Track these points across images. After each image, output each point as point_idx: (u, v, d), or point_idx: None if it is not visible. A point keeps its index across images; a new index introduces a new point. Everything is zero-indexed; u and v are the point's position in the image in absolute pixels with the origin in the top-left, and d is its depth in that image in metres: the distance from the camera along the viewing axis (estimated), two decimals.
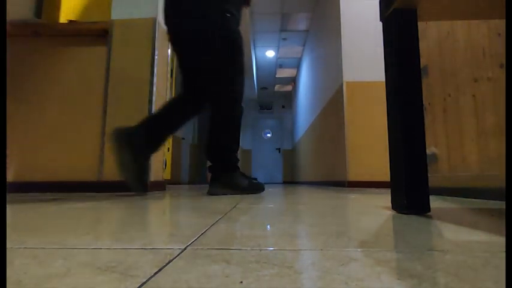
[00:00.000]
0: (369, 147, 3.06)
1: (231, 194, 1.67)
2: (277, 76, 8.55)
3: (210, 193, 1.68)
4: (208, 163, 1.78)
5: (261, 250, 0.39)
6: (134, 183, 1.64)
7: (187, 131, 9.09)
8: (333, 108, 3.75)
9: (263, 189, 1.86)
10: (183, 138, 7.96)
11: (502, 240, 0.45)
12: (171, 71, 3.88)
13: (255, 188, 1.78)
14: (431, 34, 1.71)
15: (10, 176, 2.12)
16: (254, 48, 6.97)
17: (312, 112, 5.51)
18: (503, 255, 0.36)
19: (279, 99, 10.23)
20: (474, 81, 1.37)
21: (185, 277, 0.29)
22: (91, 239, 0.46)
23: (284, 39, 6.53)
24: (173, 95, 4.20)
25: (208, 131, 1.73)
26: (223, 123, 1.72)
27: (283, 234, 0.50)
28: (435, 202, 1.14)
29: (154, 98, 2.15)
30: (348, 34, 3.29)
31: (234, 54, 1.70)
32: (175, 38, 1.76)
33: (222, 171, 1.70)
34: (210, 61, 1.69)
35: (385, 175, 2.84)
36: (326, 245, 0.42)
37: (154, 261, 0.34)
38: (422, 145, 0.78)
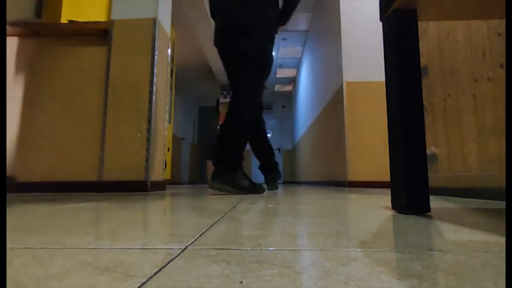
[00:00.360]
0: (369, 147, 3.06)
1: (231, 193, 1.73)
2: (277, 76, 8.55)
3: (211, 187, 1.77)
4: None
5: (261, 250, 0.39)
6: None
7: (187, 131, 9.10)
8: (333, 108, 3.75)
9: (263, 191, 1.87)
10: (183, 138, 7.96)
11: (502, 240, 0.45)
12: (171, 71, 3.88)
13: (255, 188, 1.82)
14: (431, 34, 1.71)
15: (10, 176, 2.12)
16: None
17: (312, 112, 5.51)
18: (503, 255, 0.36)
19: (279, 99, 10.23)
20: (474, 81, 1.37)
21: (185, 277, 0.29)
22: (91, 239, 0.46)
23: (284, 39, 6.53)
24: (173, 95, 4.20)
25: (221, 128, 1.85)
26: (234, 123, 1.83)
27: (283, 234, 0.50)
28: (435, 202, 1.14)
29: (154, 98, 2.15)
30: (348, 34, 3.29)
31: (264, 72, 1.95)
32: (222, 57, 2.02)
33: (224, 169, 1.77)
34: (244, 75, 1.90)
35: (385, 175, 2.85)
36: (326, 245, 0.42)
37: (154, 261, 0.34)
38: (422, 145, 0.78)
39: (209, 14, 2.17)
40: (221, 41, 1.97)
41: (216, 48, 2.05)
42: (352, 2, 3.33)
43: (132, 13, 2.25)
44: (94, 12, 2.45)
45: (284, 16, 2.07)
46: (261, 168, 2.29)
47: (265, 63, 1.93)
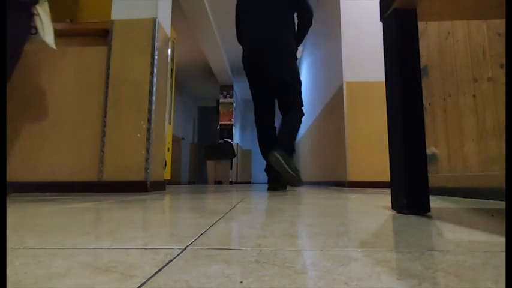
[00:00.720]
0: (369, 147, 3.06)
1: (279, 166, 2.11)
2: None
3: (272, 156, 2.14)
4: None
5: (261, 250, 0.39)
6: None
7: (187, 131, 9.10)
8: (333, 108, 3.75)
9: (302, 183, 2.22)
10: (183, 138, 7.96)
11: (502, 240, 0.45)
12: (171, 71, 3.88)
13: (297, 175, 2.18)
14: (431, 34, 1.71)
15: (10, 176, 2.12)
16: None
17: (312, 112, 5.51)
18: (503, 255, 0.36)
19: None
20: (474, 81, 1.37)
21: (185, 277, 0.29)
22: (91, 239, 0.46)
23: None
24: (173, 95, 4.20)
25: (286, 129, 2.32)
26: (296, 130, 2.36)
27: (283, 234, 0.50)
28: (435, 202, 1.14)
29: (154, 98, 2.15)
30: (348, 34, 3.29)
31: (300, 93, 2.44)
32: (259, 78, 2.43)
33: (286, 152, 2.19)
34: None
35: (385, 175, 2.85)
36: (326, 245, 0.42)
37: (154, 261, 0.34)
38: (422, 145, 0.78)
39: (236, 37, 2.61)
40: (259, 64, 2.34)
41: (242, 64, 2.44)
42: (352, 2, 3.33)
43: (132, 13, 2.24)
44: (94, 12, 2.45)
45: (299, 40, 2.48)
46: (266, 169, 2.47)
47: (300, 80, 2.42)
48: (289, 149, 2.23)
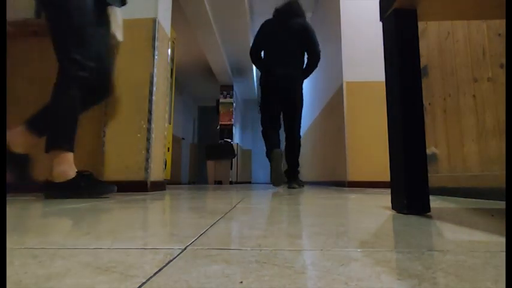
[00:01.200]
0: (369, 147, 3.06)
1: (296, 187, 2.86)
2: None
3: (290, 186, 2.90)
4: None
5: (261, 250, 0.39)
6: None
7: (187, 131, 9.10)
8: (333, 108, 3.75)
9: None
10: (183, 138, 7.96)
11: (502, 240, 0.45)
12: (171, 71, 3.87)
13: (303, 185, 3.08)
14: (431, 34, 1.71)
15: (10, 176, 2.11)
16: None
17: (312, 112, 5.51)
18: (503, 255, 0.36)
19: None
20: (474, 81, 1.37)
21: (185, 277, 0.29)
22: (91, 239, 0.46)
23: None
24: (173, 95, 4.20)
25: (290, 151, 3.03)
26: (299, 146, 3.04)
27: (283, 234, 0.50)
28: (435, 202, 1.14)
29: (154, 98, 2.15)
30: (347, 34, 3.29)
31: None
32: (276, 95, 3.02)
33: (295, 174, 2.99)
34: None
35: (385, 175, 2.84)
36: (326, 245, 0.42)
37: (154, 261, 0.34)
38: (422, 145, 0.78)
39: (251, 59, 3.20)
40: (281, 89, 2.93)
41: (261, 87, 3.06)
42: (352, 3, 3.33)
43: (132, 13, 2.24)
44: None
45: (305, 76, 3.10)
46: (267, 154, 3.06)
47: (302, 101, 3.07)
48: (297, 175, 3.02)
